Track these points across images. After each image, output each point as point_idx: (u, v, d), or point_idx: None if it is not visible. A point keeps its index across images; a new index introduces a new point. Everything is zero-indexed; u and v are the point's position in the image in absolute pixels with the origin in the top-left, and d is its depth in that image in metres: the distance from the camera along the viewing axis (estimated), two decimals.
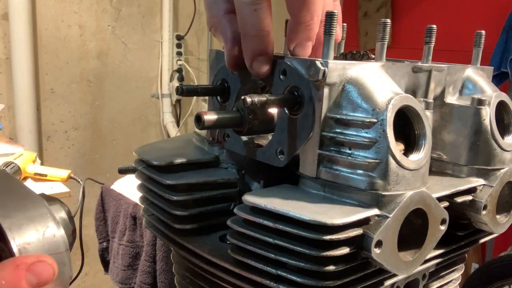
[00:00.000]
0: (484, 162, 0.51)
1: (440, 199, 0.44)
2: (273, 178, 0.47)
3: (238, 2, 0.43)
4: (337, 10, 0.45)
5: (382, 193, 0.40)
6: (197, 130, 0.50)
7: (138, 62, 3.05)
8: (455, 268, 0.58)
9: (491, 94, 0.53)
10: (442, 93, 0.53)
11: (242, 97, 0.40)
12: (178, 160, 0.49)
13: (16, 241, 0.35)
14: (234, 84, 0.49)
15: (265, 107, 0.42)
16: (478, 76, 0.56)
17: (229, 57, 0.46)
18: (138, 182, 0.54)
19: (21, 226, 0.36)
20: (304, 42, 0.45)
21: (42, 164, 1.98)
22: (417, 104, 0.42)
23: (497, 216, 0.52)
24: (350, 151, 0.41)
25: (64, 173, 1.84)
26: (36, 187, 1.76)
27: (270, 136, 0.47)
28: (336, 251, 0.38)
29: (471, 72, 0.56)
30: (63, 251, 0.37)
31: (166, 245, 1.20)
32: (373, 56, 0.51)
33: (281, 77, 0.44)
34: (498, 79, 2.81)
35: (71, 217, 0.43)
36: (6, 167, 1.73)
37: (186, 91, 0.48)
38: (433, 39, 0.52)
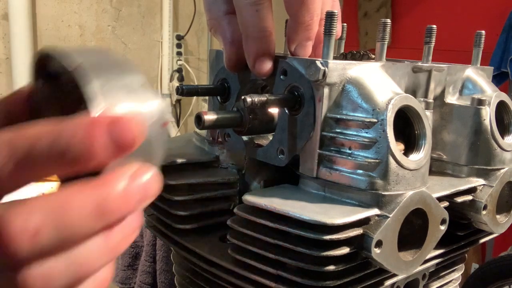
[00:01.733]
0: (484, 162, 0.51)
1: (440, 199, 0.44)
2: (273, 178, 0.47)
3: (238, 3, 0.43)
4: (336, 9, 0.46)
5: (382, 193, 0.40)
6: (197, 130, 0.50)
7: (138, 62, 3.05)
8: (455, 268, 0.58)
9: (491, 94, 0.53)
10: (442, 93, 0.53)
11: (242, 97, 0.40)
12: (179, 160, 0.49)
13: (97, 102, 0.29)
14: (234, 84, 0.49)
15: (265, 107, 0.42)
16: (478, 76, 0.56)
17: (228, 58, 0.46)
18: None
19: (106, 86, 0.29)
20: (304, 42, 0.45)
21: None
22: (417, 104, 0.42)
23: (497, 216, 0.52)
24: (350, 151, 0.41)
25: None
26: (36, 187, 1.76)
27: (270, 136, 0.47)
28: (336, 251, 0.38)
29: (471, 72, 0.56)
30: (156, 119, 0.31)
31: (166, 245, 1.20)
32: (373, 56, 0.51)
33: (281, 77, 0.44)
34: (498, 79, 2.81)
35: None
36: None
37: (186, 91, 0.48)
38: (433, 39, 0.53)
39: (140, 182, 0.29)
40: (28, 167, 0.27)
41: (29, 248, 0.26)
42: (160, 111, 0.31)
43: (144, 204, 0.29)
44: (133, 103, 0.30)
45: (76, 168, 0.27)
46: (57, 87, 0.36)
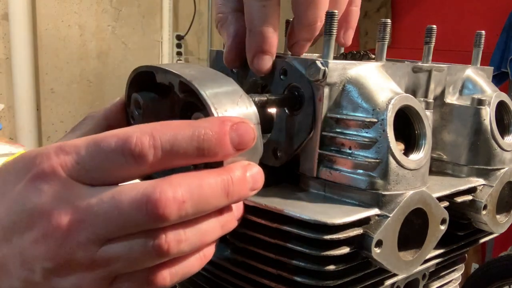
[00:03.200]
0: (484, 162, 0.51)
1: (440, 199, 0.44)
2: (273, 178, 0.47)
3: None
4: (355, 15, 0.49)
5: (382, 193, 0.40)
6: None
7: (138, 62, 3.05)
8: (455, 268, 0.58)
9: (491, 94, 0.53)
10: (442, 93, 0.53)
11: None
12: None
13: (215, 107, 0.35)
14: None
15: (266, 106, 0.42)
16: (478, 76, 0.56)
17: (227, 51, 0.46)
18: None
19: (217, 95, 0.36)
20: (303, 41, 0.46)
21: None
22: (417, 104, 0.42)
23: (497, 216, 0.52)
24: (350, 151, 0.41)
25: None
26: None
27: (269, 136, 0.47)
28: (336, 251, 0.38)
29: (471, 72, 0.56)
30: (256, 123, 0.37)
31: None
32: (373, 56, 0.51)
33: (281, 76, 0.44)
34: (498, 79, 2.81)
35: None
36: None
37: None
38: (433, 39, 0.53)
39: (251, 173, 0.35)
40: (171, 154, 0.32)
41: (176, 214, 0.31)
42: (256, 118, 0.37)
43: (253, 192, 0.36)
44: (239, 109, 0.37)
45: (207, 158, 0.33)
46: (156, 99, 0.43)
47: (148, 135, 0.32)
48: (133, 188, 0.32)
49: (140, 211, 0.31)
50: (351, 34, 0.52)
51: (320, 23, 0.44)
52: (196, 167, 0.35)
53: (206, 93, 0.35)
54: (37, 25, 2.61)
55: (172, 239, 0.32)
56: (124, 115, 0.45)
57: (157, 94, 0.43)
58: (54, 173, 0.32)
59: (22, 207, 0.33)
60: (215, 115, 0.35)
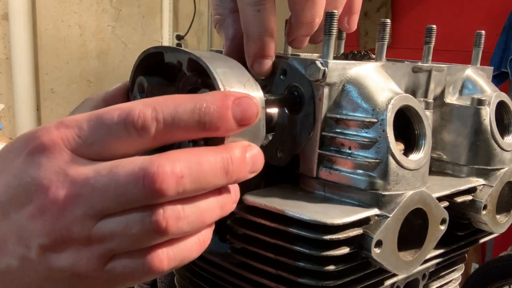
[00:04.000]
0: (484, 162, 0.51)
1: (440, 199, 0.44)
2: (273, 178, 0.47)
3: (241, 3, 0.43)
4: (358, 3, 0.49)
5: (382, 193, 0.40)
6: None
7: None
8: (455, 268, 0.58)
9: (491, 94, 0.53)
10: (442, 93, 0.53)
11: None
12: None
13: (223, 83, 0.35)
14: None
15: (266, 106, 0.42)
16: (478, 76, 0.56)
17: (226, 53, 0.46)
18: None
19: (226, 73, 0.36)
20: (302, 37, 0.46)
21: None
22: (417, 104, 0.42)
23: (497, 216, 0.52)
24: (350, 151, 0.41)
25: None
26: None
27: (270, 136, 0.47)
28: (336, 251, 0.38)
29: (471, 72, 0.56)
30: (261, 107, 0.37)
31: None
32: (374, 56, 0.51)
33: (281, 76, 0.44)
34: (498, 79, 2.81)
35: None
36: None
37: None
38: (433, 39, 0.52)
39: (251, 154, 0.35)
40: (172, 127, 0.32)
41: (174, 189, 0.31)
42: (262, 102, 0.37)
43: (252, 174, 0.35)
44: (245, 90, 0.36)
45: (208, 132, 0.33)
46: (161, 83, 0.43)
47: (150, 108, 0.31)
48: (130, 161, 0.31)
49: (137, 185, 0.30)
50: (355, 19, 0.51)
51: (319, 19, 0.44)
52: (196, 145, 0.35)
53: (216, 70, 0.36)
54: (37, 25, 2.61)
55: (171, 216, 0.31)
56: (125, 100, 0.44)
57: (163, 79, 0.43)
58: (54, 146, 0.32)
59: (19, 181, 0.32)
60: (222, 89, 0.35)
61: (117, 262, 0.33)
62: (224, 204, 0.35)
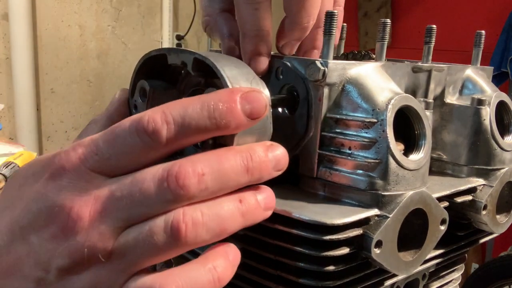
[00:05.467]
0: (484, 162, 0.51)
1: (440, 199, 0.44)
2: (273, 178, 0.47)
3: (238, 1, 0.43)
4: (339, 13, 0.47)
5: (382, 193, 0.40)
6: None
7: None
8: (455, 268, 0.58)
9: (491, 94, 0.53)
10: (442, 93, 0.53)
11: None
12: None
13: (230, 80, 0.35)
14: None
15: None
16: (478, 76, 0.56)
17: (227, 53, 0.46)
18: None
19: (232, 70, 0.36)
20: (294, 42, 0.46)
21: None
22: (417, 104, 0.42)
23: (497, 216, 0.52)
24: (350, 151, 0.41)
25: None
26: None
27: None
28: (336, 251, 0.38)
29: (471, 72, 0.56)
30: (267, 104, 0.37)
31: None
32: (374, 56, 0.51)
33: (277, 76, 0.44)
34: (498, 79, 2.81)
35: None
36: (6, 167, 1.73)
37: None
38: (433, 39, 0.52)
39: (273, 151, 0.35)
40: (183, 127, 0.32)
41: (197, 186, 0.31)
42: (269, 100, 0.37)
43: (278, 172, 0.35)
44: (249, 84, 0.37)
45: (220, 130, 0.33)
46: (163, 86, 0.43)
47: (159, 112, 0.32)
48: (152, 168, 0.32)
49: (161, 186, 0.31)
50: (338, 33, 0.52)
51: (312, 21, 0.44)
52: (203, 146, 0.36)
53: (223, 68, 0.36)
54: (37, 25, 2.61)
55: (189, 220, 0.31)
56: (127, 108, 0.45)
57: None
58: (74, 167, 0.32)
59: (41, 204, 0.32)
60: (230, 86, 0.35)
61: (137, 280, 0.32)
62: (245, 212, 0.34)
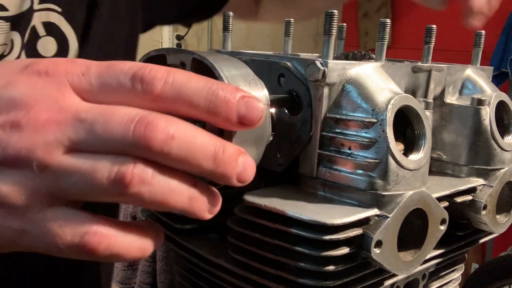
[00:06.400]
0: (484, 162, 0.51)
1: (440, 199, 0.44)
2: (273, 178, 0.47)
3: None
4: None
5: (382, 193, 0.40)
6: None
7: None
8: (455, 268, 0.58)
9: (491, 94, 0.53)
10: (442, 93, 0.53)
11: None
12: None
13: (228, 81, 0.35)
14: None
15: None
16: (478, 76, 0.56)
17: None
18: None
19: (230, 71, 0.36)
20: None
21: None
22: (417, 104, 0.42)
23: (497, 216, 0.52)
24: (350, 151, 0.41)
25: None
26: None
27: (271, 137, 0.47)
28: (336, 251, 0.38)
29: (471, 72, 0.56)
30: (266, 104, 0.37)
31: (166, 245, 1.20)
32: (374, 56, 0.51)
33: (279, 81, 0.44)
34: (498, 79, 2.81)
35: None
36: None
37: None
38: (433, 39, 0.53)
39: (244, 159, 0.33)
40: (178, 95, 0.31)
41: (160, 145, 0.29)
42: (267, 100, 0.38)
43: (238, 183, 0.33)
44: (250, 88, 0.37)
45: (209, 115, 0.32)
46: None
47: (163, 69, 0.31)
48: (129, 108, 0.30)
49: (127, 127, 0.29)
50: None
51: None
52: None
53: (222, 68, 0.36)
54: None
55: (138, 174, 0.29)
56: None
57: None
58: (56, 75, 0.31)
59: (5, 92, 0.30)
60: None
61: (61, 213, 0.30)
62: (194, 198, 0.32)
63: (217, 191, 0.34)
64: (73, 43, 0.58)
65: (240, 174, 0.33)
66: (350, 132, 0.41)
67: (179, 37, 3.17)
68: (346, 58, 0.56)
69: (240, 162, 0.33)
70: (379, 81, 0.42)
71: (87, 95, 0.31)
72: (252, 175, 0.34)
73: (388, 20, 0.45)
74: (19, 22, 0.53)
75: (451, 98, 0.54)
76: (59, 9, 0.59)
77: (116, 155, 0.30)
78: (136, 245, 0.33)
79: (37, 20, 0.55)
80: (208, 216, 0.34)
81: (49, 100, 0.30)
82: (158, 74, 0.31)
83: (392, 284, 0.46)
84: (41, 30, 0.57)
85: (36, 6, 0.55)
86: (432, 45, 0.53)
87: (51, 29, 0.56)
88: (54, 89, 0.31)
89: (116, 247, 0.31)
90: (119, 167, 0.29)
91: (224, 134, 0.34)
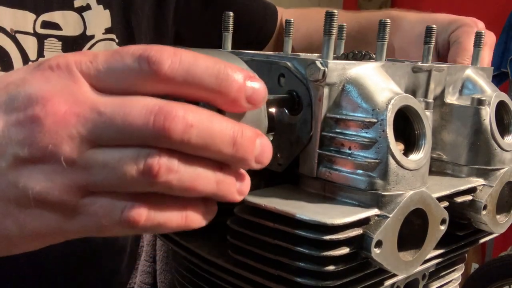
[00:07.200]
0: (484, 162, 0.51)
1: (440, 199, 0.44)
2: (273, 178, 0.47)
3: None
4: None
5: (382, 193, 0.40)
6: None
7: None
8: (455, 268, 0.58)
9: (491, 94, 0.53)
10: (442, 93, 0.53)
11: None
12: None
13: None
14: None
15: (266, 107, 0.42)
16: (478, 76, 0.56)
17: None
18: None
19: None
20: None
21: None
22: (417, 104, 0.42)
23: (497, 216, 0.52)
24: (350, 151, 0.41)
25: None
26: None
27: (271, 136, 0.47)
28: (336, 251, 0.38)
29: (471, 72, 0.56)
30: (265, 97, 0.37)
31: (166, 245, 1.21)
32: (374, 56, 0.51)
33: (279, 81, 0.44)
34: (498, 79, 2.81)
35: None
36: None
37: None
38: (433, 39, 0.53)
39: (261, 141, 0.33)
40: (187, 75, 0.31)
41: (180, 134, 0.29)
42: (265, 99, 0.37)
43: (258, 165, 0.33)
44: None
45: (219, 95, 0.32)
46: None
47: (170, 49, 0.31)
48: (145, 98, 0.30)
49: (147, 119, 0.29)
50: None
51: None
52: None
53: None
54: None
55: (164, 164, 0.30)
56: None
57: None
58: (67, 67, 0.31)
59: (21, 89, 0.31)
60: None
61: (95, 199, 0.31)
62: (221, 181, 0.33)
63: (244, 171, 0.35)
64: None
65: (259, 157, 0.33)
66: (350, 132, 0.41)
67: None
68: (346, 58, 0.56)
69: (258, 144, 0.33)
70: (379, 81, 0.42)
71: (97, 81, 0.31)
72: (269, 156, 0.34)
73: (388, 20, 0.45)
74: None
75: (451, 98, 0.54)
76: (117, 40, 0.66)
77: (139, 147, 0.30)
78: (176, 216, 0.33)
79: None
80: (238, 197, 0.34)
81: (64, 92, 0.30)
82: (165, 53, 0.31)
83: (392, 284, 0.46)
84: None
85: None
86: (432, 45, 0.53)
87: None
88: (67, 80, 0.31)
89: (156, 218, 0.32)
90: (146, 159, 0.30)
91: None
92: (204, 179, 0.32)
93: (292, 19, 0.56)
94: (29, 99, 0.30)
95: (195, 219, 0.34)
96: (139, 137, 0.30)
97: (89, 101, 0.30)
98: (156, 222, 0.32)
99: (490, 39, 0.70)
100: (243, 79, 0.32)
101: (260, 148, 0.33)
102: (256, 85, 0.33)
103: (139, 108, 0.30)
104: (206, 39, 0.88)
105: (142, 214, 0.31)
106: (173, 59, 0.31)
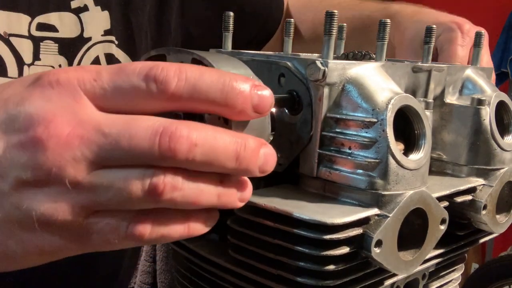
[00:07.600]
0: (484, 162, 0.51)
1: (440, 199, 0.44)
2: (273, 178, 0.47)
3: None
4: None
5: (382, 193, 0.40)
6: None
7: None
8: (455, 268, 0.58)
9: (491, 94, 0.53)
10: (442, 93, 0.53)
11: None
12: None
13: None
14: None
15: None
16: (478, 76, 0.56)
17: None
18: None
19: (229, 71, 0.36)
20: None
21: None
22: (417, 104, 0.42)
23: (497, 216, 0.52)
24: (350, 151, 0.41)
25: None
26: None
27: (271, 136, 0.47)
28: (336, 251, 0.38)
29: (471, 72, 0.56)
30: (272, 104, 0.37)
31: (166, 245, 1.21)
32: (374, 56, 0.51)
33: (279, 81, 0.44)
34: (498, 79, 2.81)
35: None
36: None
37: None
38: (433, 39, 0.53)
39: (265, 150, 0.33)
40: (194, 91, 0.31)
41: (185, 154, 0.30)
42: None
43: (261, 174, 0.34)
44: None
45: (225, 108, 0.32)
46: None
47: (175, 66, 0.31)
48: (149, 118, 0.30)
49: (152, 140, 0.29)
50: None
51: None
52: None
53: (220, 68, 0.35)
54: None
55: (169, 182, 0.30)
56: None
57: None
58: (68, 84, 0.30)
59: (21, 108, 0.30)
60: None
61: (100, 218, 0.31)
62: (222, 194, 0.33)
63: (245, 179, 0.35)
64: None
65: (262, 166, 0.33)
66: (350, 132, 0.41)
67: None
68: (346, 58, 0.56)
69: (262, 154, 0.33)
70: (379, 81, 0.42)
71: (102, 101, 0.31)
72: (273, 165, 0.34)
73: (388, 20, 0.45)
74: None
75: (451, 98, 0.54)
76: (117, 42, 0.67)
77: (144, 166, 0.30)
78: (179, 227, 0.33)
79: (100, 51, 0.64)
80: (239, 204, 0.35)
81: (66, 112, 0.30)
82: (171, 72, 0.31)
83: (392, 284, 0.46)
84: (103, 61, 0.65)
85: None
86: (432, 45, 0.53)
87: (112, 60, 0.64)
88: (69, 99, 0.30)
89: (160, 231, 0.32)
90: (151, 178, 0.30)
91: (233, 127, 0.35)
92: (207, 194, 0.32)
93: (292, 20, 0.56)
94: (30, 119, 0.30)
95: (198, 228, 0.35)
96: (145, 158, 0.30)
97: (93, 122, 0.30)
98: (160, 234, 0.32)
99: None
100: (249, 90, 0.32)
101: (263, 158, 0.33)
102: (262, 94, 0.33)
103: (144, 129, 0.30)
104: (215, 36, 0.87)
105: (147, 228, 0.32)
106: (180, 76, 0.31)
